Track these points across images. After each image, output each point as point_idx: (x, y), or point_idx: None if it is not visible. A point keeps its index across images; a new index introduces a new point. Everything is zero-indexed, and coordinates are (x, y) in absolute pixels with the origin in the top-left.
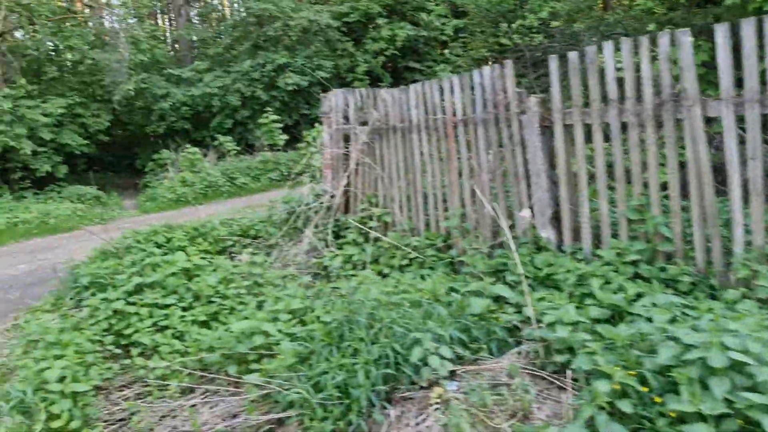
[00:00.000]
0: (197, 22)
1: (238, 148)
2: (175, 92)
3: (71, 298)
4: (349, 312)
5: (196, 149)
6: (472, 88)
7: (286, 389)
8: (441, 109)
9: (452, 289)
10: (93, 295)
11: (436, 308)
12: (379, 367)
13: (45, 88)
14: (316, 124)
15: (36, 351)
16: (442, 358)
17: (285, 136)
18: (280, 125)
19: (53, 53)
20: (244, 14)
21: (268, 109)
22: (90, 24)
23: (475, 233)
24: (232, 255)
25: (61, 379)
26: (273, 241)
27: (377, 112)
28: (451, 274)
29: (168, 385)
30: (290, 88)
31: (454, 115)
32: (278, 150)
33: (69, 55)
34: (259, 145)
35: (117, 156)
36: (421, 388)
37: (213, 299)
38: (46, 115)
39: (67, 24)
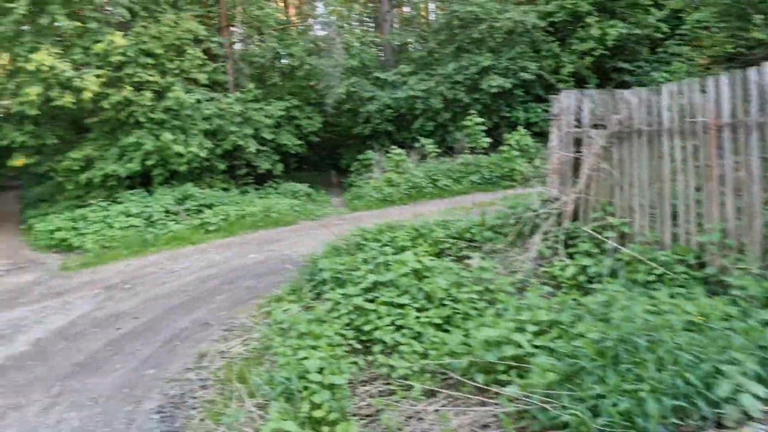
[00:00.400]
0: (398, 27)
1: (439, 150)
2: (381, 95)
3: (310, 290)
4: (619, 331)
5: (402, 151)
6: (745, 88)
7: (551, 407)
8: (700, 112)
9: (728, 315)
10: (332, 289)
11: (732, 336)
12: (668, 397)
13: (267, 93)
14: (518, 127)
15: (290, 339)
16: (756, 397)
17: (488, 139)
18: (484, 128)
19: (275, 60)
20: (447, 18)
21: (471, 111)
22: (309, 33)
23: (740, 251)
24: (451, 257)
25: (320, 370)
26: (494, 246)
27: (618, 115)
28: (708, 295)
29: (411, 385)
30: (494, 90)
31: (718, 117)
32: (479, 153)
33: (289, 62)
34: (459, 147)
35: (322, 156)
36: (720, 426)
37: (445, 302)
38: (268, 117)
39: (288, 33)
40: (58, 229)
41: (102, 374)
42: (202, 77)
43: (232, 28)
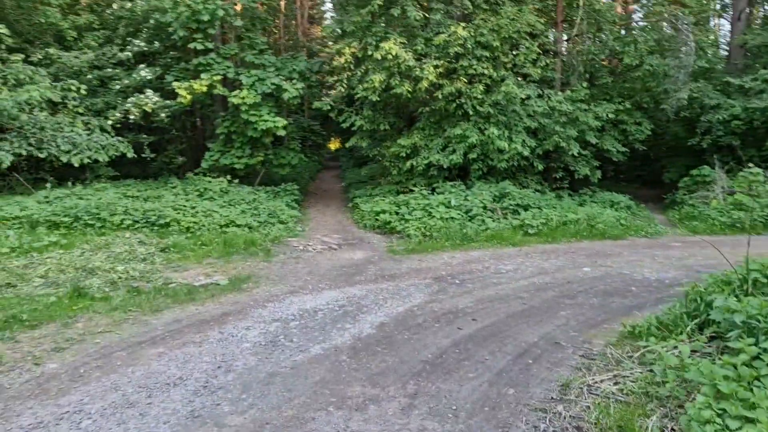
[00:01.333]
0: (758, 26)
1: None
2: (729, 103)
3: (692, 328)
4: None
5: (760, 170)
6: None
7: None
8: None
9: None
10: (743, 338)
11: None
12: None
13: (596, 93)
14: None
15: (701, 396)
16: None
17: None
18: None
19: (609, 58)
20: None
21: None
22: (651, 30)
23: None
24: None
25: None
26: None
27: None
28: None
29: None
30: None
31: None
32: None
33: (627, 60)
34: None
35: (641, 166)
36: None
37: None
38: (597, 119)
39: (627, 29)
40: (383, 212)
41: (455, 381)
42: (535, 72)
43: (565, 24)
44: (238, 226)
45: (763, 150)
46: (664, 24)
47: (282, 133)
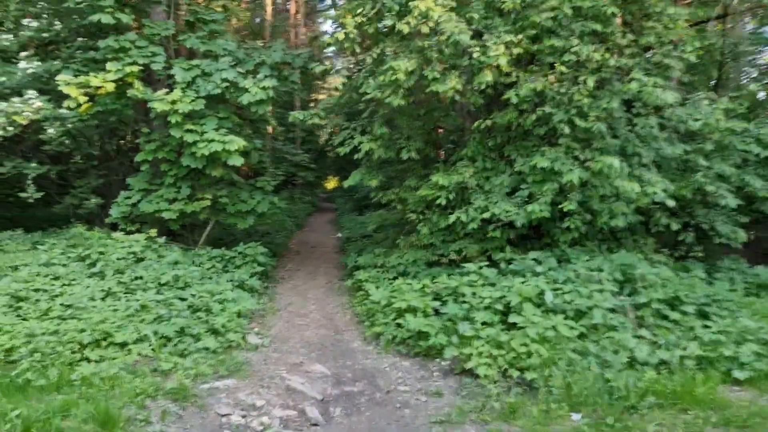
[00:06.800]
0: None
1: None
2: None
3: None
4: None
5: None
6: None
7: None
8: None
9: None
10: None
11: None
12: None
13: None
14: None
15: None
16: None
17: None
18: None
19: None
20: None
21: None
22: None
23: None
24: None
25: None
26: None
27: None
28: None
29: None
30: None
31: None
32: None
33: None
34: None
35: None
36: None
37: None
38: (763, 145)
39: None
40: (411, 310)
41: None
42: (683, 61)
43: None
44: (120, 346)
45: None
46: None
47: (238, 162)
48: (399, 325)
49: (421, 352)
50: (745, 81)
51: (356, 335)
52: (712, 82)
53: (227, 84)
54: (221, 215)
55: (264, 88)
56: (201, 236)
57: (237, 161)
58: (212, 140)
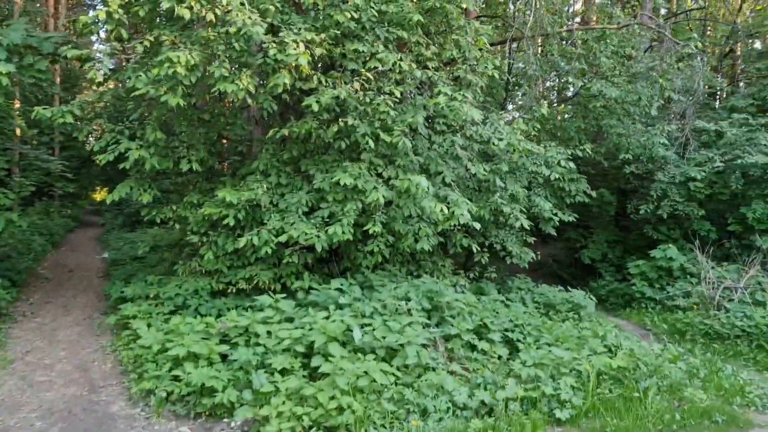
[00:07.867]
0: None
1: None
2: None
3: None
4: None
5: None
6: None
7: None
8: None
9: None
10: None
11: None
12: None
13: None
14: None
15: None
16: None
17: None
18: None
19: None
20: None
21: None
22: None
23: None
24: None
25: None
26: None
27: None
28: None
29: None
30: None
31: None
32: None
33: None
34: None
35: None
36: None
37: None
38: (548, 166)
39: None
40: (192, 357)
41: None
42: (480, 78)
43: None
44: None
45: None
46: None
47: None
48: (176, 378)
49: (205, 412)
50: (533, 106)
51: (118, 393)
52: (500, 104)
53: None
54: None
55: None
56: None
57: None
58: None
